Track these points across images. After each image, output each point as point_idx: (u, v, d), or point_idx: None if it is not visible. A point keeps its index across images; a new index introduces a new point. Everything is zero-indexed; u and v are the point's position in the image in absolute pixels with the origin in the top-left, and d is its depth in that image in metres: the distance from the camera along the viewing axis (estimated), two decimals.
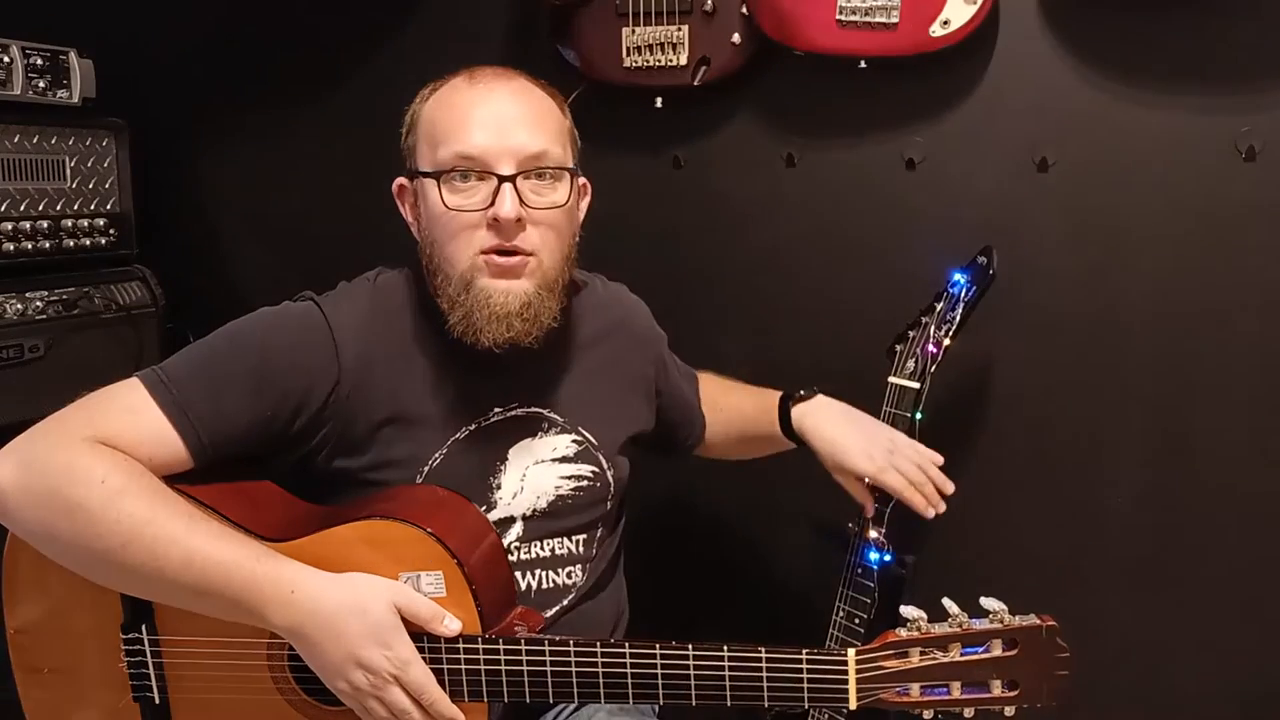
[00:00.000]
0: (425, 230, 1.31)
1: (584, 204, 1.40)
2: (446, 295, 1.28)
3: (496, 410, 1.34)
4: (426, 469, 1.30)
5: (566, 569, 1.36)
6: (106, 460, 1.14)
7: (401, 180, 1.36)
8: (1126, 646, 1.87)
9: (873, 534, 1.68)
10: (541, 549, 1.35)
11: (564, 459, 1.37)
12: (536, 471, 1.35)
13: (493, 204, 1.24)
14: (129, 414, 1.19)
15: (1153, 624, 1.86)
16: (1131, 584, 1.87)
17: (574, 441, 1.38)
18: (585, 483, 1.37)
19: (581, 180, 1.38)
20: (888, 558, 1.68)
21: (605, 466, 1.39)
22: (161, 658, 1.22)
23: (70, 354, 1.87)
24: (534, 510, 1.34)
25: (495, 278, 1.25)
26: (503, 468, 1.34)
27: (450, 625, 1.15)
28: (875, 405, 1.69)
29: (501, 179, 1.24)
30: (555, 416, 1.37)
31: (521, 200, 1.25)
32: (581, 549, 1.38)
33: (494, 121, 1.26)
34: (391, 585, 1.14)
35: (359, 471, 1.30)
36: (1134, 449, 1.84)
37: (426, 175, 1.28)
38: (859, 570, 1.69)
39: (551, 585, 1.35)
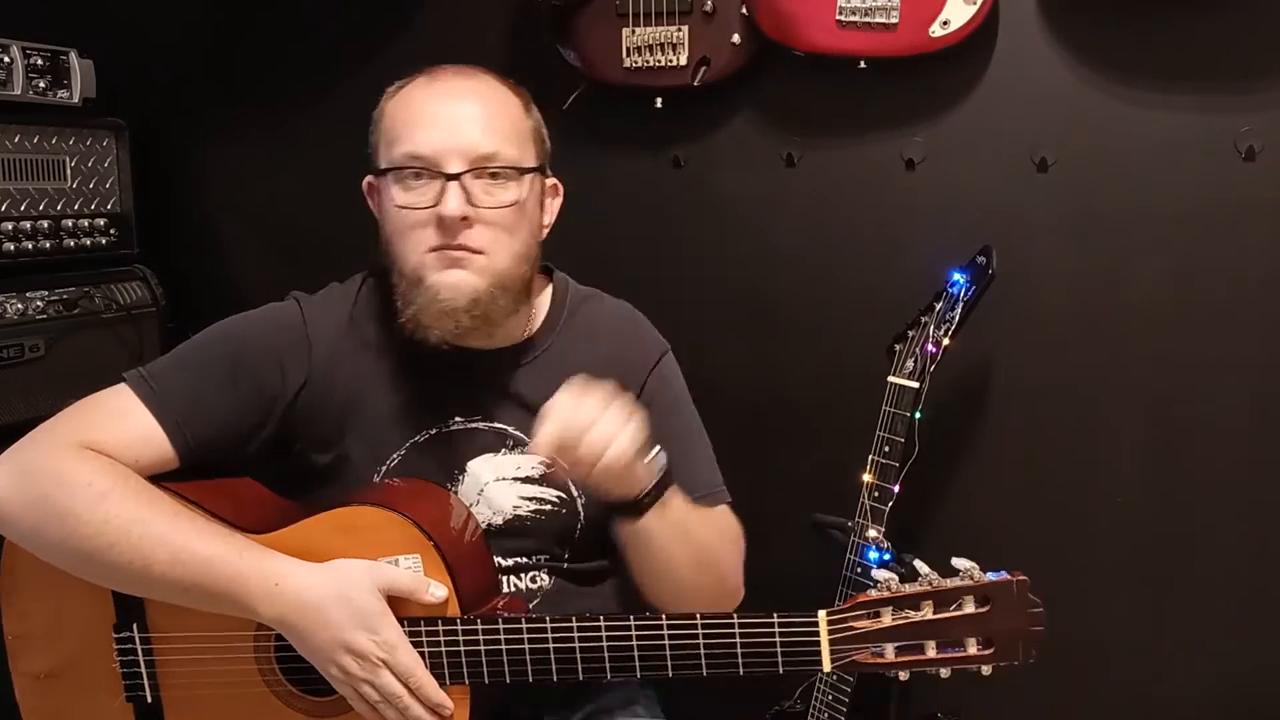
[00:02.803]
0: (383, 227, 1.33)
1: (553, 204, 1.38)
2: (400, 292, 1.29)
3: (457, 420, 1.33)
4: (384, 469, 1.31)
5: (531, 574, 1.35)
6: (92, 464, 1.17)
7: (370, 179, 1.37)
8: (1125, 644, 1.87)
9: (872, 533, 1.68)
10: (503, 560, 1.33)
11: (527, 479, 1.34)
12: (496, 488, 1.33)
13: (440, 202, 1.24)
14: (114, 417, 1.22)
15: (1152, 622, 1.86)
16: (1131, 582, 1.87)
17: (541, 463, 1.33)
18: (549, 507, 1.34)
19: (550, 180, 1.37)
20: (887, 557, 1.69)
21: (575, 494, 1.35)
22: (153, 655, 1.23)
23: (70, 354, 1.87)
24: (490, 525, 1.32)
25: (445, 269, 1.25)
26: (461, 478, 1.33)
27: (435, 593, 1.16)
28: (875, 404, 1.70)
29: (448, 177, 1.24)
30: (520, 435, 1.34)
31: (470, 199, 1.25)
32: (547, 562, 1.36)
33: (445, 121, 1.26)
34: (372, 567, 1.16)
35: (324, 467, 1.32)
36: (1133, 448, 1.84)
37: (383, 173, 1.30)
38: (859, 569, 1.69)
39: (513, 589, 1.34)
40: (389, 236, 1.30)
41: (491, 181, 1.26)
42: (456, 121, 1.26)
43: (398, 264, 1.28)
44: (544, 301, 1.39)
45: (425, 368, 1.33)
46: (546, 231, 1.37)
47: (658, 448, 1.21)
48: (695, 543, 1.27)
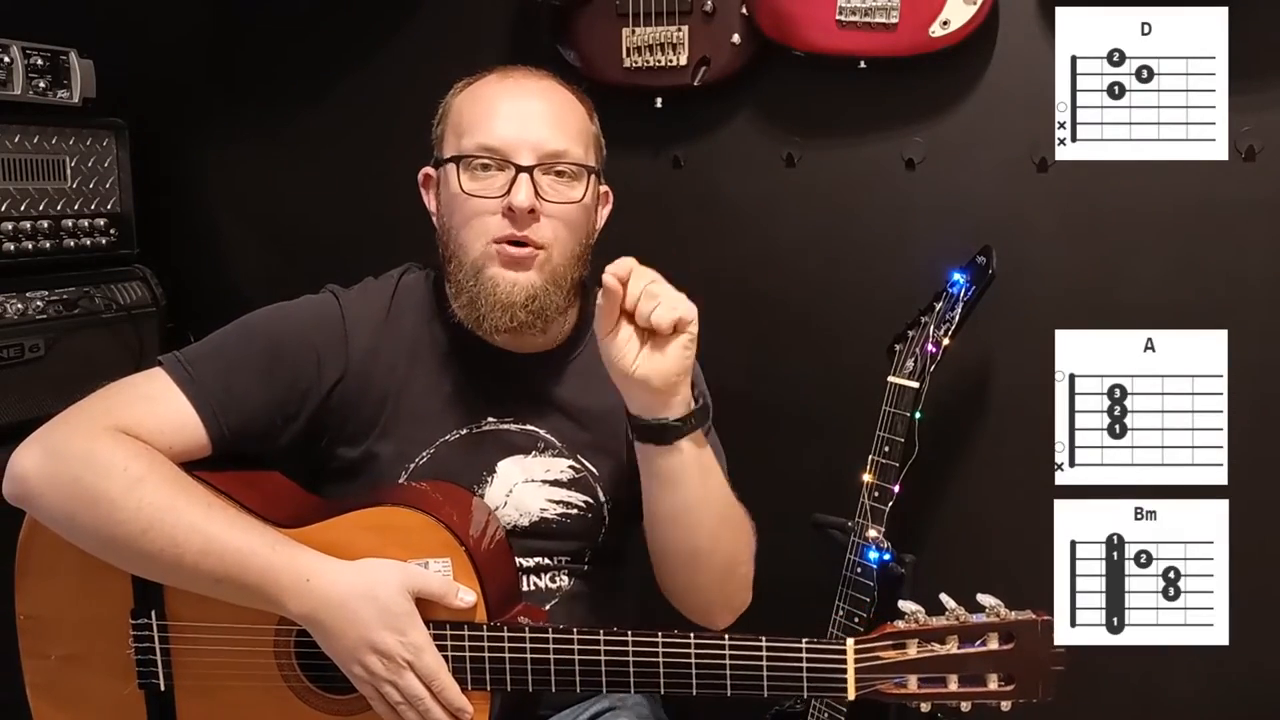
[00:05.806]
0: (443, 216, 1.33)
1: (604, 211, 1.41)
2: (456, 281, 1.30)
3: (490, 420, 1.34)
4: (413, 466, 1.31)
5: (550, 574, 1.36)
6: (127, 448, 1.16)
7: (427, 170, 1.38)
8: (1125, 643, 1.87)
9: (872, 533, 1.68)
10: (524, 560, 1.34)
11: (556, 482, 1.35)
12: (525, 490, 1.34)
13: (509, 193, 1.25)
14: (148, 401, 1.22)
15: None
16: None
17: (571, 467, 1.35)
18: (575, 511, 1.35)
19: (604, 188, 1.39)
20: (887, 557, 1.69)
21: (602, 500, 1.36)
22: (169, 644, 1.23)
23: (70, 354, 1.87)
24: (515, 526, 1.33)
25: (505, 267, 1.27)
26: (489, 478, 1.33)
27: (464, 598, 1.16)
28: (875, 404, 1.70)
29: (519, 169, 1.26)
30: (552, 439, 1.35)
31: (537, 193, 1.26)
32: (568, 564, 1.37)
33: (518, 115, 1.29)
34: (403, 569, 1.16)
35: (352, 462, 1.32)
36: None
37: (449, 161, 1.30)
38: (859, 569, 1.69)
39: (533, 588, 1.35)
40: (451, 225, 1.31)
41: (558, 179, 1.29)
42: (529, 116, 1.29)
43: (458, 253, 1.29)
44: (574, 308, 1.40)
45: (460, 367, 1.34)
46: (595, 236, 1.38)
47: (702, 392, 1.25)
48: (717, 492, 1.27)
